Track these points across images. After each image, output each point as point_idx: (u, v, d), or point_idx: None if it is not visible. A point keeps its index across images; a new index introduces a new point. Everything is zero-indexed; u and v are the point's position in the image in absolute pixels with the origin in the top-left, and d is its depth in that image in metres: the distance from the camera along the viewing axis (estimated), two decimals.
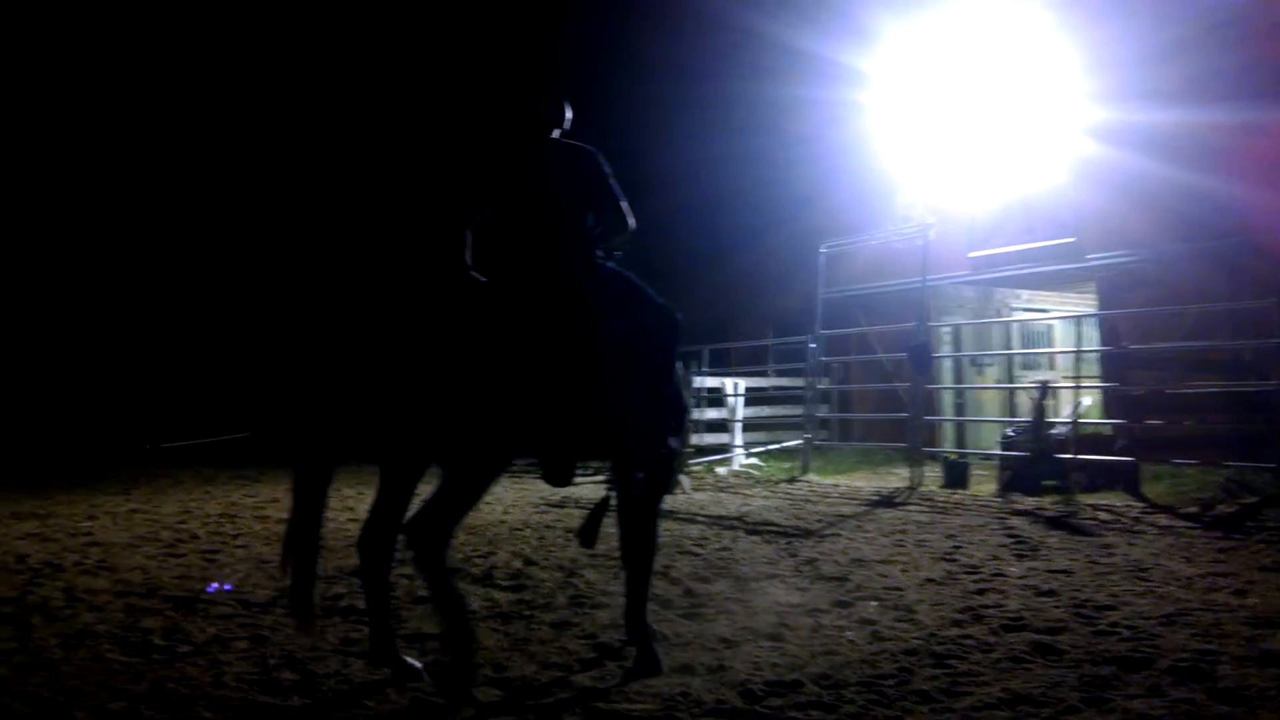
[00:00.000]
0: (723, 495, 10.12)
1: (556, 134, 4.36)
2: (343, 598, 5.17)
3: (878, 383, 14.16)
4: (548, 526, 7.79)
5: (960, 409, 14.71)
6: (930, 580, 5.50)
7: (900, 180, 14.53)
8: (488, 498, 9.48)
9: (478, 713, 3.38)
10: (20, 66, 19.58)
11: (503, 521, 8.10)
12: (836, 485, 10.77)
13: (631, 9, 19.59)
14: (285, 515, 8.49)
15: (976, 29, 13.27)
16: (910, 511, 8.59)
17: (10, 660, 4.04)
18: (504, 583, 5.56)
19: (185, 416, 16.22)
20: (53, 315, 19.43)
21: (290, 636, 4.38)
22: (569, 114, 4.39)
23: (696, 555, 6.45)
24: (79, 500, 9.75)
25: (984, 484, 10.43)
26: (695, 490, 10.48)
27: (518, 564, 6.10)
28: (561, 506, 9.12)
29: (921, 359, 11.04)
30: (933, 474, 10.99)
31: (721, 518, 8.34)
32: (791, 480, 11.37)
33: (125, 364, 18.41)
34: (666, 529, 7.58)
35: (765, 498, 9.83)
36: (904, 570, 5.82)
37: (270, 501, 9.57)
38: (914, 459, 10.71)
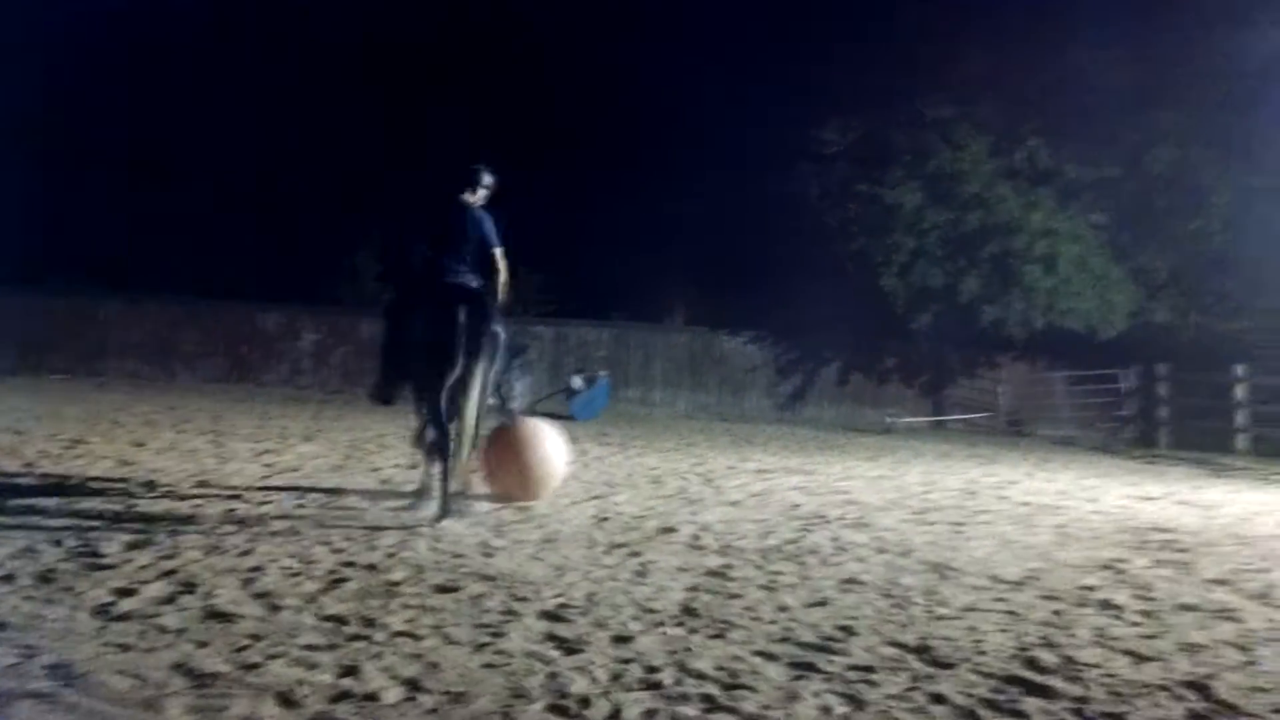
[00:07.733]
0: None
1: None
2: (1096, 589, 4.97)
3: None
4: None
5: None
6: None
7: None
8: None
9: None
10: None
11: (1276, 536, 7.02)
12: None
13: None
14: (1027, 499, 8.42)
15: None
16: None
17: (795, 592, 4.65)
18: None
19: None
20: None
21: (1046, 618, 4.34)
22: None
23: None
24: (834, 462, 10.87)
25: None
26: None
27: None
28: None
29: None
30: None
31: None
32: None
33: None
34: None
35: None
36: None
37: (1009, 483, 9.57)
38: None
